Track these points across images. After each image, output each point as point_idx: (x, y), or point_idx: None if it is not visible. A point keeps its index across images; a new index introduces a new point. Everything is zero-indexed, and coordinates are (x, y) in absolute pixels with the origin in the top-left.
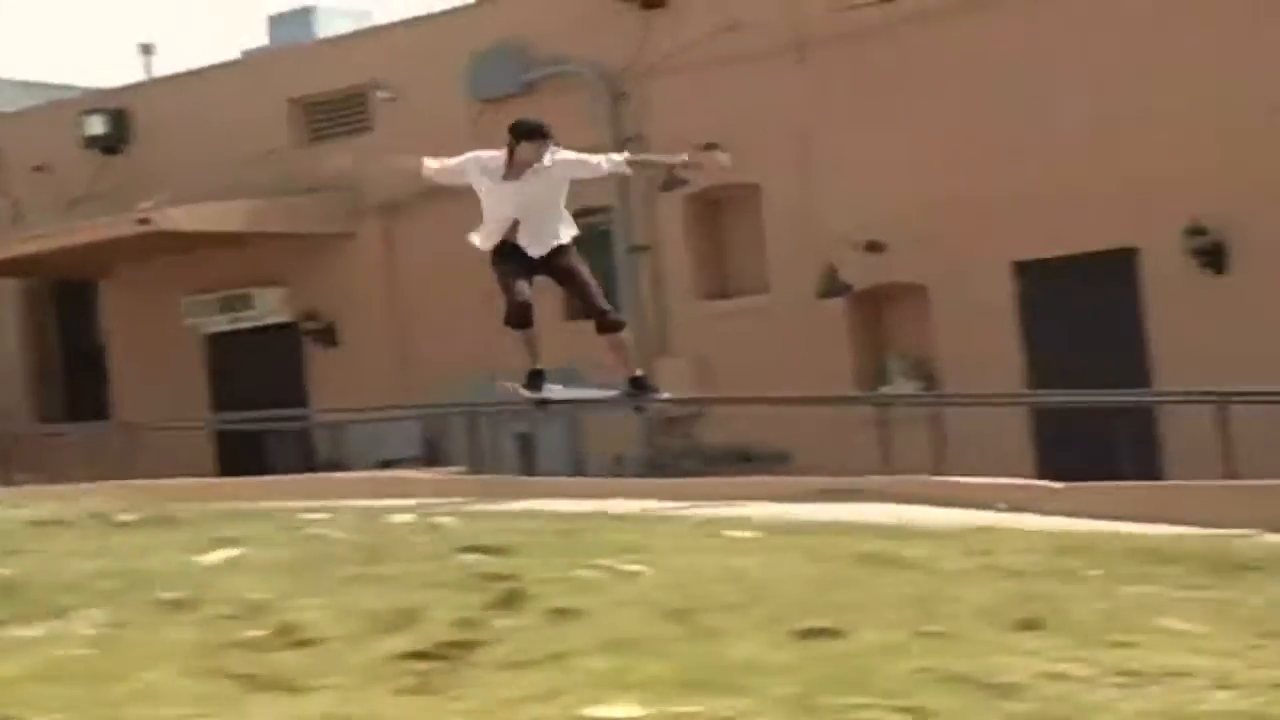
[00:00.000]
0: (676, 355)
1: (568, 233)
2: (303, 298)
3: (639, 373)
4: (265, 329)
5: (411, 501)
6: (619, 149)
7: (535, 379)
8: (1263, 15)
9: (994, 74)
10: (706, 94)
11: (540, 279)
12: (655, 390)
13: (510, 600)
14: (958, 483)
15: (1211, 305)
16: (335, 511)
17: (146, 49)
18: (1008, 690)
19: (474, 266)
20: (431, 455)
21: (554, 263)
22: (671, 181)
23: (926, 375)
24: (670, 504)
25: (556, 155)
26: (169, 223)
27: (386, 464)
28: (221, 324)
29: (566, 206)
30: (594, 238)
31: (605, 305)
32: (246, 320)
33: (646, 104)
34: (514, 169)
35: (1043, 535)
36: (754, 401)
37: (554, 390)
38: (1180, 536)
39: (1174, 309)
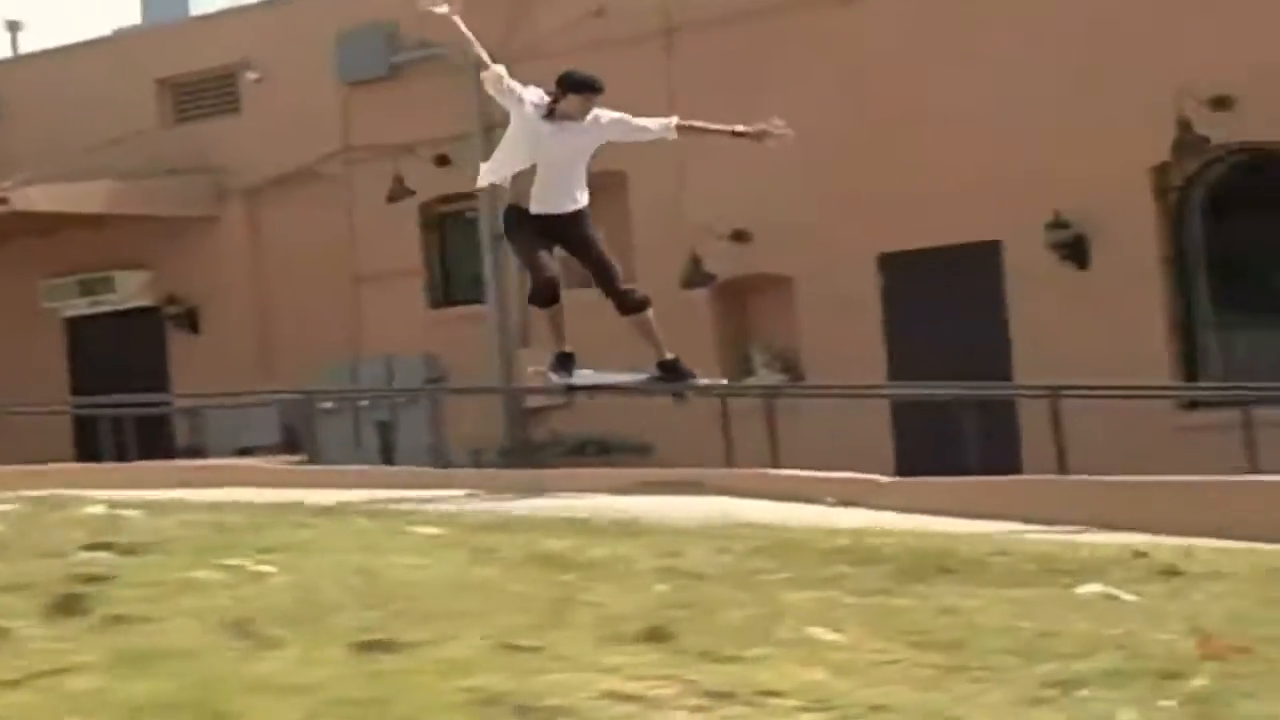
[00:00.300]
0: (541, 345)
1: (584, 197)
2: (165, 281)
3: (670, 356)
4: (126, 313)
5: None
6: (485, 133)
7: (564, 362)
8: (1126, 9)
9: (863, 65)
10: None
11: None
12: (690, 374)
13: (67, 606)
14: (787, 476)
15: (1072, 298)
16: (34, 500)
17: (14, 26)
18: (553, 713)
19: (339, 251)
20: (291, 443)
21: (571, 231)
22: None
23: (790, 367)
24: (486, 495)
25: (601, 115)
26: (26, 203)
27: (245, 451)
28: (81, 307)
29: None
30: (461, 226)
31: (626, 285)
32: (107, 304)
33: None
34: (554, 116)
35: (763, 532)
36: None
37: (583, 375)
38: (908, 534)
39: (1035, 301)
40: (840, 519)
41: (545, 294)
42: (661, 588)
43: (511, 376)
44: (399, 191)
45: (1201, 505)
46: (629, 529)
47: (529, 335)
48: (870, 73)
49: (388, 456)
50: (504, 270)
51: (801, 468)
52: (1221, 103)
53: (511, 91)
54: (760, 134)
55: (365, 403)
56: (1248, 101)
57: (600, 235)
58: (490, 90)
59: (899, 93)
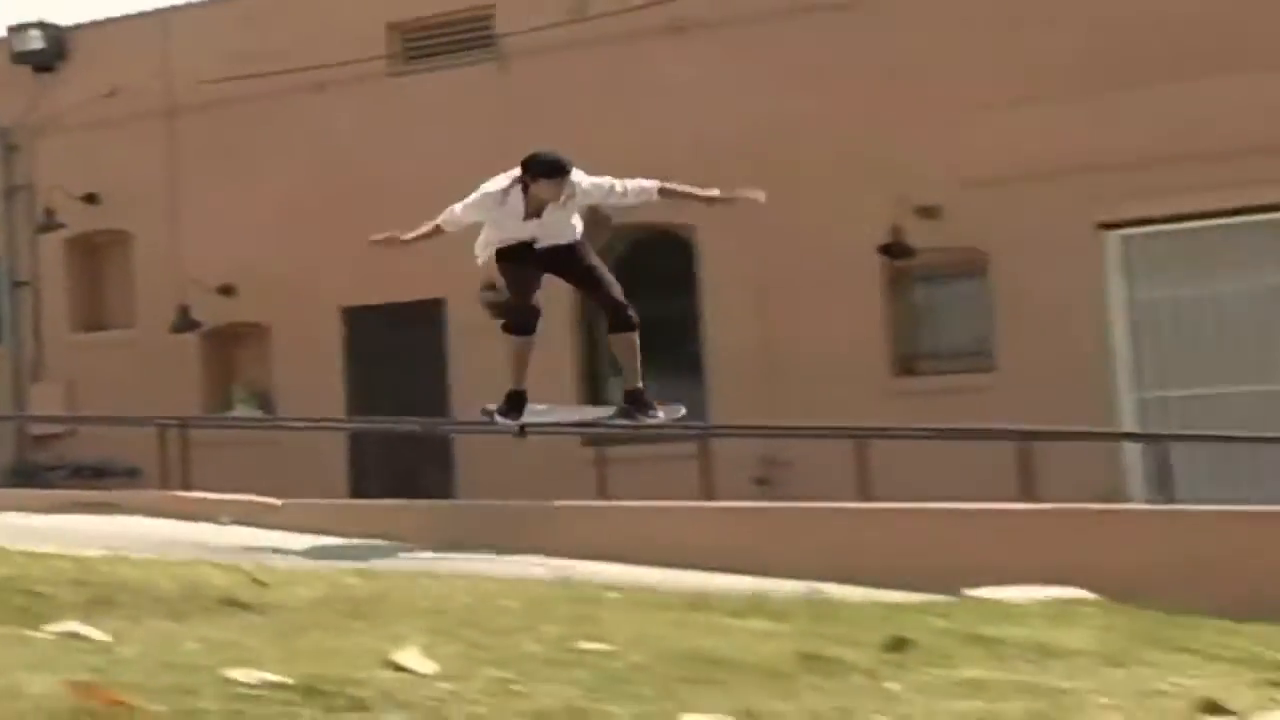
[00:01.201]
0: (51, 381)
1: (579, 228)
2: None
3: (640, 385)
4: None
5: None
6: (6, 198)
7: (516, 402)
8: (496, 116)
9: (332, 145)
10: (90, 150)
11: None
12: (650, 405)
13: None
14: (193, 497)
15: (499, 349)
16: None
17: None
18: None
19: None
20: None
21: (572, 256)
22: (49, 224)
23: (265, 403)
24: None
25: (581, 183)
26: None
27: None
28: None
29: None
30: None
31: (624, 300)
32: None
33: (37, 157)
34: (532, 206)
35: None
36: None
37: (536, 410)
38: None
39: (472, 350)
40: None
41: (525, 323)
42: None
43: (23, 406)
44: None
45: (553, 528)
46: None
47: (40, 370)
48: (338, 151)
49: None
50: (19, 314)
51: (260, 493)
52: (928, 212)
53: (477, 212)
54: (730, 200)
55: None
56: (954, 211)
57: (597, 258)
58: (452, 230)
59: (361, 169)
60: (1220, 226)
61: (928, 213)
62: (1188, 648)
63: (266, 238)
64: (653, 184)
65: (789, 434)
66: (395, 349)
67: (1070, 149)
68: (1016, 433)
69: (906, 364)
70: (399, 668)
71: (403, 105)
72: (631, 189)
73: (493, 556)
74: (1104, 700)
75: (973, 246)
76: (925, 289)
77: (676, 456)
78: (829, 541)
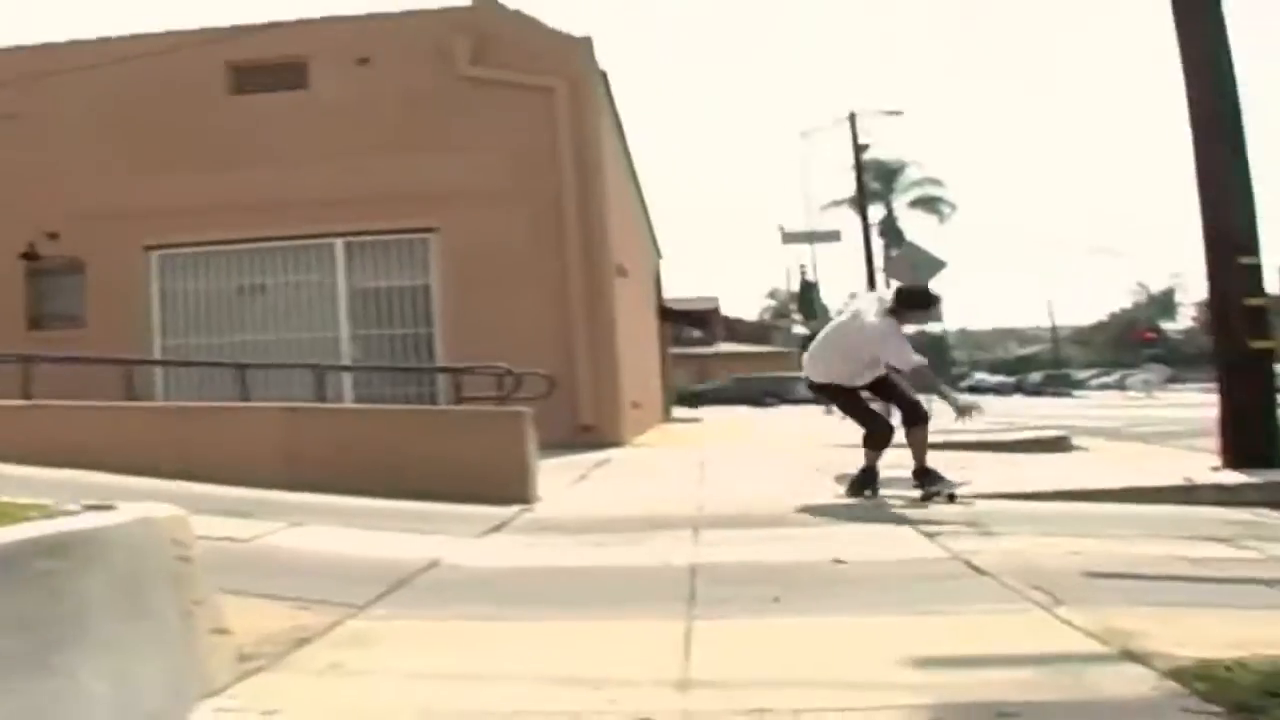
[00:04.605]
0: None
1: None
2: None
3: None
4: None
5: None
6: None
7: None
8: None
9: None
10: None
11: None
12: (939, 478)
13: None
14: None
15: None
16: None
17: None
18: None
19: None
20: None
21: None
22: None
23: None
24: None
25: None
26: None
27: None
28: None
29: None
30: None
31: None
32: None
33: None
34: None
35: None
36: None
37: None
38: None
39: None
40: None
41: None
42: None
43: None
44: None
45: None
46: None
47: None
48: None
49: None
50: None
51: None
52: (53, 235)
53: None
54: (967, 411)
55: None
56: (68, 236)
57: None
58: None
59: None
60: (210, 251)
61: (52, 236)
62: None
63: None
64: (919, 360)
65: None
66: None
67: (133, 204)
68: (67, 358)
69: (35, 322)
70: None
71: None
72: (907, 359)
73: None
74: None
75: (77, 256)
76: (49, 279)
77: None
78: None
